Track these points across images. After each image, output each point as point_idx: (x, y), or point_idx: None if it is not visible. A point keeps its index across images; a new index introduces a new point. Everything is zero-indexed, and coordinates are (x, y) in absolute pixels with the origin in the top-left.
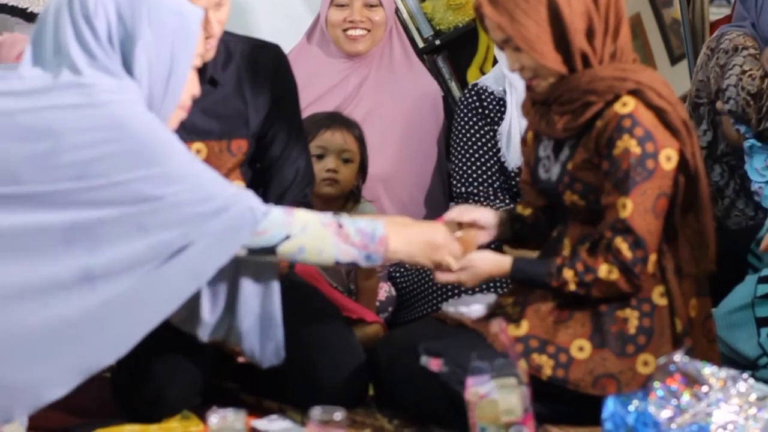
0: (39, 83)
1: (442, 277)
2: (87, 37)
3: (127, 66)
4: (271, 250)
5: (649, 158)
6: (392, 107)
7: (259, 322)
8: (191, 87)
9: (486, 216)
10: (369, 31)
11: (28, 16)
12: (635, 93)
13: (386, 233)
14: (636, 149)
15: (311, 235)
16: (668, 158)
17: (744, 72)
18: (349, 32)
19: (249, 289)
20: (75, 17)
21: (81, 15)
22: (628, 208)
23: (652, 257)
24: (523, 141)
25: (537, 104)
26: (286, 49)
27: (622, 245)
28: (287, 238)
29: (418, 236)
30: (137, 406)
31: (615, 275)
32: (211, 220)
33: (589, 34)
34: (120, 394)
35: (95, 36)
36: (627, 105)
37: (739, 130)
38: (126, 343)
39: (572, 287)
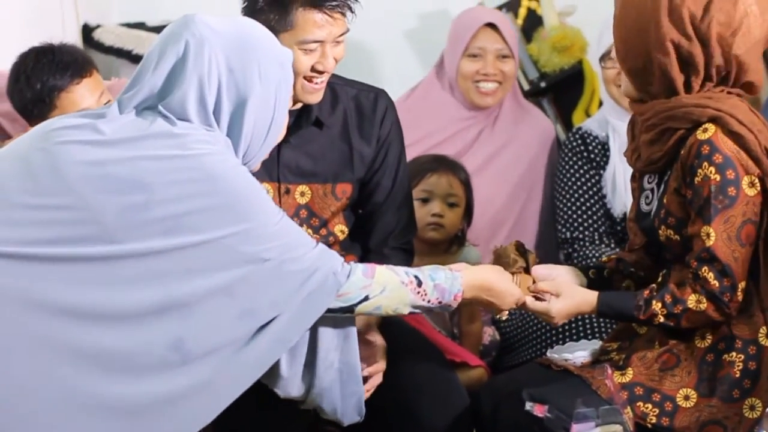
0: (130, 132)
1: (533, 305)
2: None
3: (236, 122)
4: (348, 310)
5: (730, 185)
6: (508, 155)
7: (339, 376)
8: (283, 130)
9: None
10: (500, 83)
11: (133, 58)
12: (715, 120)
13: (462, 289)
14: (715, 176)
15: (389, 296)
16: (751, 184)
17: None
18: (481, 85)
19: (327, 342)
20: None
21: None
22: (712, 236)
23: (741, 284)
24: (633, 177)
25: (634, 140)
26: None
27: (708, 274)
28: (366, 299)
29: (487, 294)
30: None
31: (704, 305)
32: (297, 287)
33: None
34: None
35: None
36: (707, 131)
37: None
38: (210, 415)
39: (661, 319)
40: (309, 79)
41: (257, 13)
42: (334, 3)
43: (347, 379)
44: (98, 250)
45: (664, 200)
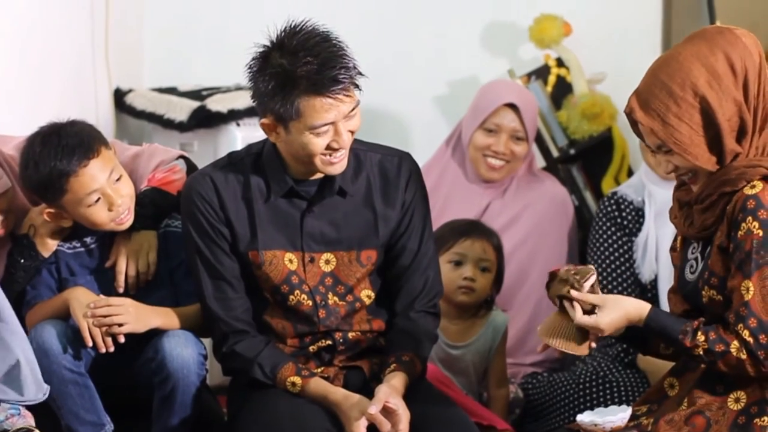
0: None
1: (581, 320)
2: None
3: None
4: None
5: None
6: (519, 225)
7: None
8: None
9: None
10: (508, 162)
11: (165, 123)
12: (766, 178)
13: None
14: (758, 231)
15: None
16: None
17: None
18: (490, 160)
19: None
20: None
21: None
22: (751, 290)
23: None
24: (673, 248)
25: (684, 208)
26: (421, 156)
27: (744, 331)
28: None
29: None
30: None
31: (744, 355)
32: None
33: (741, 134)
34: None
35: None
36: (755, 187)
37: None
38: None
39: (700, 352)
40: (326, 155)
41: (263, 101)
42: (338, 87)
43: None
44: None
45: (709, 261)
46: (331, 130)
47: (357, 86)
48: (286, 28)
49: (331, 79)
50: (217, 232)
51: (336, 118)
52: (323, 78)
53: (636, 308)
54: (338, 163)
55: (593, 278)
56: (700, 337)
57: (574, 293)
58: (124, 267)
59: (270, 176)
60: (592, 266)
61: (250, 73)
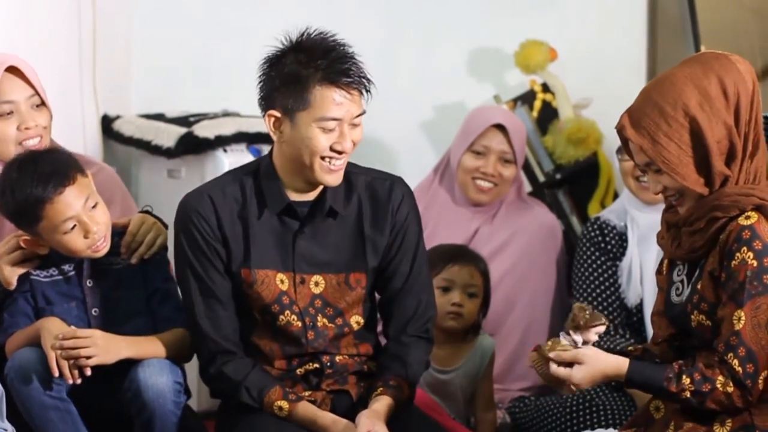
0: None
1: (556, 371)
2: None
3: None
4: None
5: (766, 273)
6: (507, 252)
7: None
8: None
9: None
10: (497, 185)
11: (153, 149)
12: (759, 209)
13: None
14: (753, 261)
15: None
16: None
17: None
18: (478, 182)
19: None
20: None
21: None
22: (742, 320)
23: (764, 373)
24: (658, 271)
25: (671, 230)
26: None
27: (734, 360)
28: None
29: None
30: None
31: (731, 388)
32: None
33: (730, 157)
34: None
35: None
36: (749, 218)
37: None
38: None
39: (687, 395)
40: (326, 159)
41: (274, 94)
42: (350, 79)
43: None
44: None
45: (698, 286)
46: (337, 129)
47: (368, 90)
48: (302, 32)
49: (343, 72)
50: (213, 250)
51: (344, 116)
52: (336, 70)
53: (614, 367)
54: (336, 172)
55: (602, 329)
56: (685, 380)
57: (551, 354)
58: (139, 226)
59: (267, 193)
60: (605, 319)
61: (263, 68)
